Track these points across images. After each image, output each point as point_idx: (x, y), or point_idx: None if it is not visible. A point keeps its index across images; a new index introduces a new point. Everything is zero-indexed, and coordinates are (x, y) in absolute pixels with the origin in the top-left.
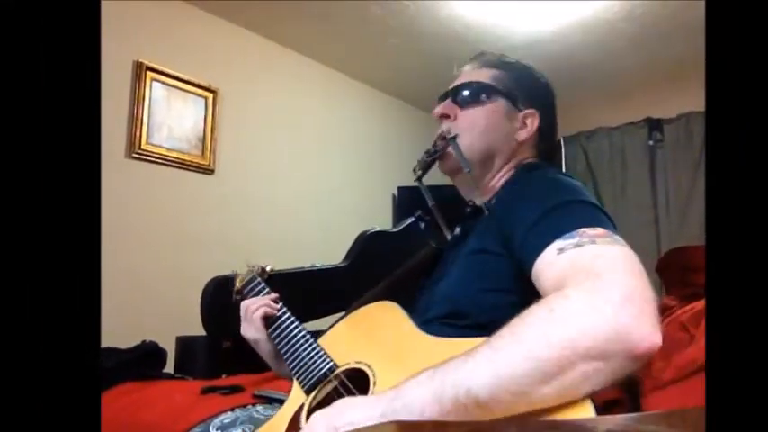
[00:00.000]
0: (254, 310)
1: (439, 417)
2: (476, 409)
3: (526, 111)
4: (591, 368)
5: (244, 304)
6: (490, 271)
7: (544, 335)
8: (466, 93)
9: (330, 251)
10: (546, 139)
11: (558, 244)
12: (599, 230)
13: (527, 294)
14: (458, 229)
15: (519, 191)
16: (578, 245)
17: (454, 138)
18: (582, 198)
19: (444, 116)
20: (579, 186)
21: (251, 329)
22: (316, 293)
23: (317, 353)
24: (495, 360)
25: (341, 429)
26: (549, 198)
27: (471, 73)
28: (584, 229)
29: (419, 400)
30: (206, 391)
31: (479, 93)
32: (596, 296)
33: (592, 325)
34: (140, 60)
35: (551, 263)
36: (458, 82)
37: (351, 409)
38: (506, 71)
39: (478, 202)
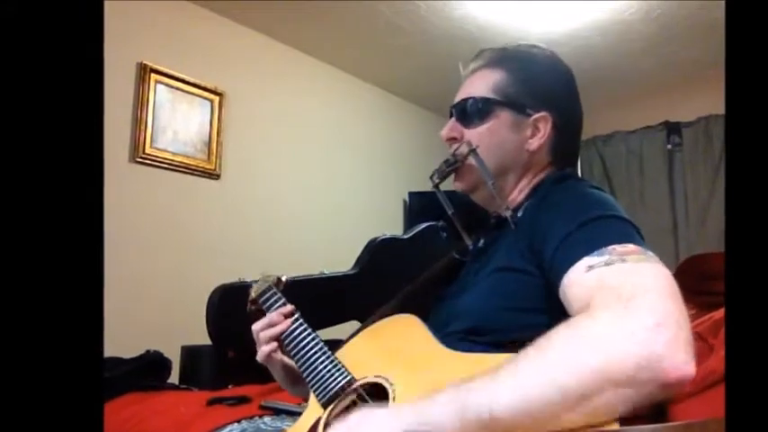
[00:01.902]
0: (262, 344)
1: None
2: (498, 430)
3: (537, 115)
4: (618, 395)
5: (254, 329)
6: (516, 290)
7: (571, 360)
8: (467, 110)
9: (339, 257)
10: (565, 138)
11: (587, 261)
12: (630, 247)
13: (555, 314)
14: (481, 241)
15: (548, 205)
16: (608, 263)
17: (475, 149)
18: (613, 212)
19: (452, 138)
20: (610, 200)
21: (262, 358)
22: (324, 301)
23: (334, 365)
24: (519, 383)
25: None
26: (579, 213)
27: (473, 79)
28: (614, 246)
29: (442, 417)
30: (212, 402)
31: (480, 109)
32: (627, 320)
33: (622, 351)
34: (144, 62)
35: (579, 281)
36: (460, 96)
37: (372, 421)
38: (511, 70)
39: (502, 214)
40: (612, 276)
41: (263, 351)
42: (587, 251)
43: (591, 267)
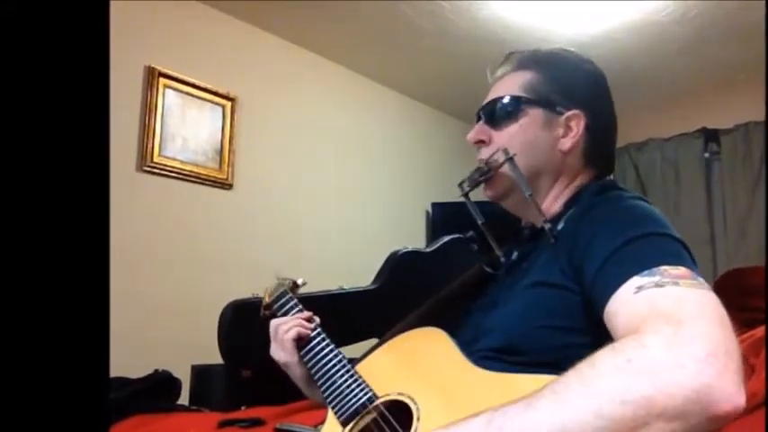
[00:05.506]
0: (286, 331)
1: None
2: None
3: (568, 113)
4: (666, 428)
5: (274, 323)
6: (554, 306)
7: (618, 389)
8: (496, 111)
9: (358, 272)
10: (598, 140)
11: (636, 281)
12: (682, 270)
13: (595, 334)
14: (515, 254)
15: (592, 218)
16: (659, 284)
17: (512, 158)
18: (663, 230)
19: (480, 142)
20: (659, 214)
21: (281, 352)
22: (343, 318)
23: (354, 381)
24: (561, 413)
25: None
26: (626, 228)
27: (502, 82)
28: (665, 267)
29: None
30: (224, 424)
31: (510, 108)
32: (678, 349)
33: (672, 382)
34: (152, 65)
35: (628, 302)
36: (489, 98)
37: None
38: (541, 70)
39: (538, 224)
40: (663, 300)
41: (286, 338)
42: (636, 271)
43: (640, 288)
